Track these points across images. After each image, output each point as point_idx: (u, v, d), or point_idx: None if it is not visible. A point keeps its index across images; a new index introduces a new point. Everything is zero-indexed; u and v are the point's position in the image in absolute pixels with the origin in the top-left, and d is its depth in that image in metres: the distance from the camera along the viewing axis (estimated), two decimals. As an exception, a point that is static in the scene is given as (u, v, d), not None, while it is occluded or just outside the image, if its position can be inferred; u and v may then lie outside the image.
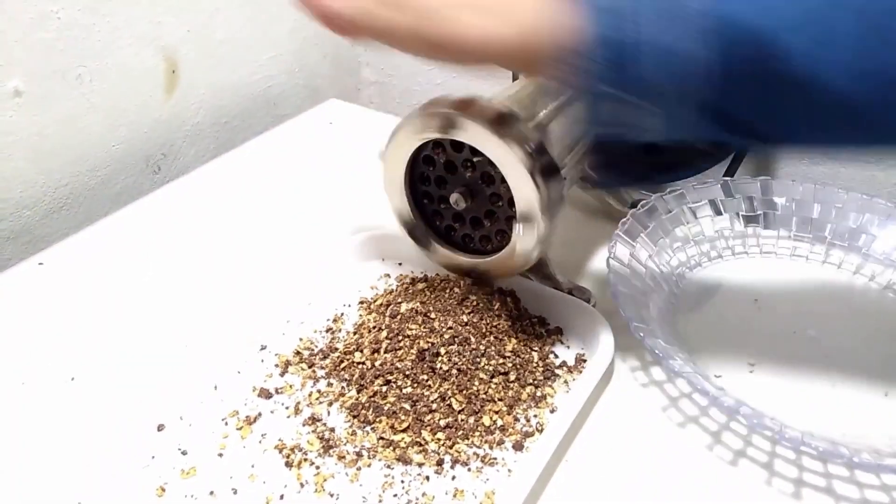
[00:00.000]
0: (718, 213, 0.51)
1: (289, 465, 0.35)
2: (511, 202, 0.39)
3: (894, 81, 0.27)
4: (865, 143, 0.32)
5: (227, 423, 0.37)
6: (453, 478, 0.34)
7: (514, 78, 0.45)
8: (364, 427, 0.37)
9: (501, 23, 0.30)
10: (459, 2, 0.30)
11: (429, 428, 0.36)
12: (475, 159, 0.39)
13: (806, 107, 0.29)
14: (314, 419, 0.37)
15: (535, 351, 0.41)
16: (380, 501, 0.33)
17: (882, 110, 0.28)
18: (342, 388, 0.39)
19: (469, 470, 0.35)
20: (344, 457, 0.35)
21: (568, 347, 0.42)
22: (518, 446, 0.36)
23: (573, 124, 0.34)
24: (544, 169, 0.37)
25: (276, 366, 0.41)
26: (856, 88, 0.28)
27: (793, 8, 0.28)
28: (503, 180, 0.38)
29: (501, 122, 0.36)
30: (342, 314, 0.44)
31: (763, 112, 0.30)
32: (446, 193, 0.41)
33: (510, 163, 0.37)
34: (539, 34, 0.30)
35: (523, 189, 0.37)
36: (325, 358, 0.41)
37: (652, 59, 0.28)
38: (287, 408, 0.38)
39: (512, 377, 0.39)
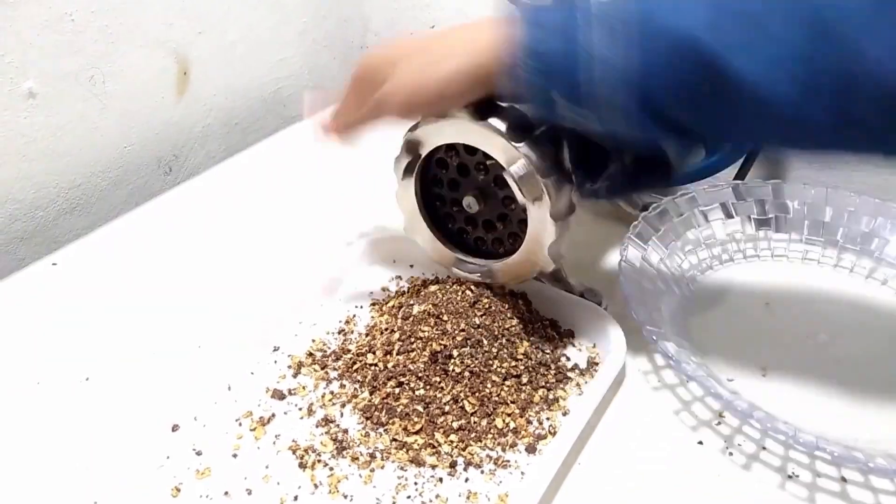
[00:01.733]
0: (730, 216, 0.51)
1: (302, 466, 0.35)
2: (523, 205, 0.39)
3: (806, 78, 0.27)
4: (797, 145, 0.33)
5: (240, 424, 0.37)
6: (466, 480, 0.34)
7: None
8: (377, 429, 0.37)
9: (464, 60, 0.34)
10: (428, 59, 0.35)
11: (442, 430, 0.36)
12: (488, 162, 0.39)
13: (735, 107, 0.29)
14: (327, 420, 0.37)
15: (548, 354, 0.41)
16: (393, 503, 0.33)
17: (804, 110, 0.28)
18: (355, 389, 0.39)
19: (482, 472, 0.35)
20: (357, 458, 0.35)
21: (580, 350, 0.42)
22: (531, 449, 0.36)
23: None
24: (555, 174, 0.37)
25: (289, 367, 0.41)
26: (776, 86, 0.28)
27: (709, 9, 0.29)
28: (516, 183, 0.38)
29: (512, 127, 0.36)
30: (354, 316, 0.45)
31: (693, 109, 0.30)
32: (459, 196, 0.41)
33: (520, 168, 0.37)
34: (489, 58, 0.33)
35: (534, 193, 0.37)
36: (337, 359, 0.41)
37: (584, 66, 0.30)
38: (300, 409, 0.38)
39: (524, 380, 0.39)
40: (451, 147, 0.40)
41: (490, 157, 0.38)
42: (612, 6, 0.30)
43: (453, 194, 0.42)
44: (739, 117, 0.30)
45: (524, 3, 0.33)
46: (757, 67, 0.27)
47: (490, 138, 0.36)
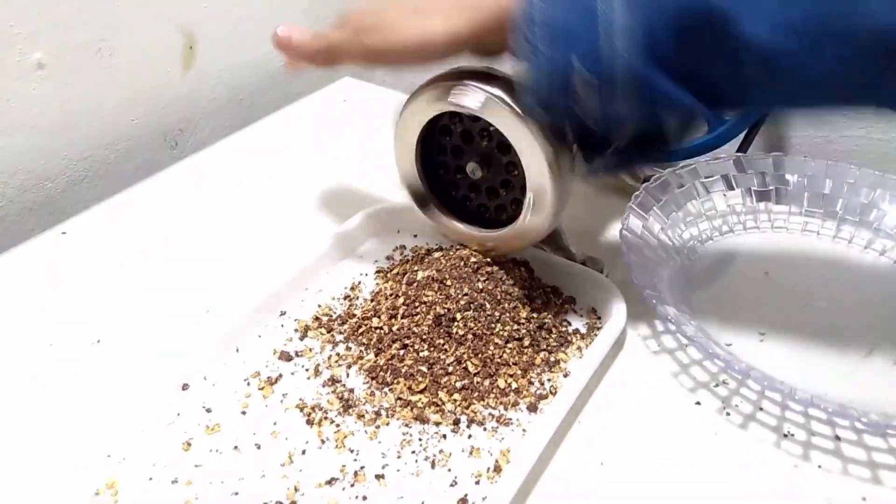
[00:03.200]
0: (731, 188, 0.51)
1: (310, 423, 0.36)
2: (527, 171, 0.39)
3: (810, 31, 0.28)
4: (798, 102, 0.33)
5: (248, 384, 0.38)
6: (469, 436, 0.35)
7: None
8: (382, 388, 0.38)
9: (459, 17, 0.34)
10: (417, 8, 0.35)
11: (445, 389, 0.37)
12: (491, 128, 0.39)
13: (741, 64, 0.30)
14: (334, 381, 0.38)
15: (549, 318, 0.41)
16: (398, 458, 0.34)
17: (807, 63, 0.28)
18: (360, 351, 0.40)
19: (485, 429, 0.36)
20: (363, 416, 0.36)
21: (580, 316, 0.43)
22: (532, 408, 0.37)
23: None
24: (555, 138, 0.37)
25: (296, 331, 0.42)
26: (780, 41, 0.28)
27: None
28: (519, 149, 0.38)
29: (512, 93, 0.37)
30: (359, 283, 0.45)
31: (715, 76, 0.31)
32: (462, 163, 0.42)
33: (521, 133, 0.37)
34: (489, 20, 0.33)
35: (534, 160, 0.38)
36: (343, 323, 0.42)
37: (602, 29, 0.30)
38: (307, 370, 0.39)
39: (526, 343, 0.40)
40: (454, 114, 0.40)
41: (492, 124, 0.38)
42: None
43: (457, 161, 0.43)
44: (745, 76, 0.30)
45: None
46: (762, 23, 0.28)
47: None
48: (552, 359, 0.39)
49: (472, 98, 0.37)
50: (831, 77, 0.29)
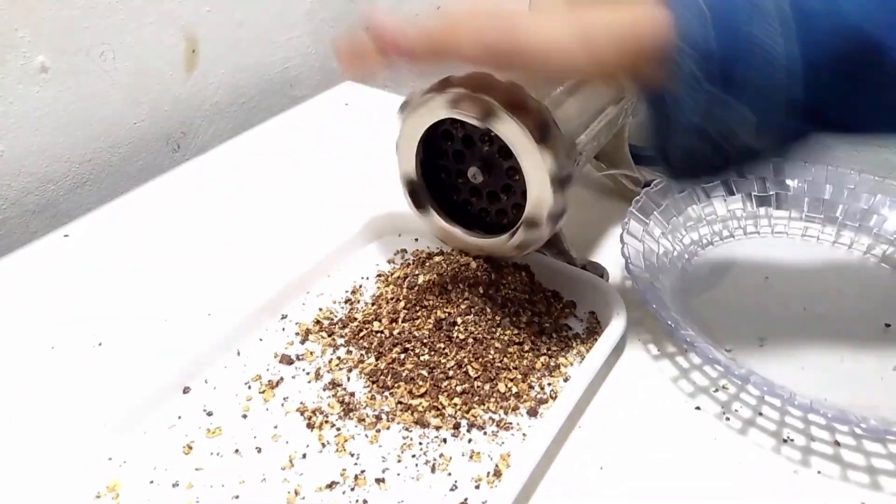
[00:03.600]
0: (731, 193, 0.51)
1: (310, 426, 0.36)
2: (528, 176, 0.39)
3: None
4: None
5: (250, 387, 0.38)
6: (469, 441, 0.35)
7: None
8: (383, 392, 0.38)
9: (606, 41, 0.31)
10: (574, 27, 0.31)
11: (446, 393, 0.37)
12: (492, 133, 0.40)
13: (886, 91, 0.30)
14: (334, 384, 0.38)
15: (549, 323, 0.42)
16: (399, 462, 0.34)
17: None
18: (361, 355, 0.40)
19: (485, 433, 0.36)
20: (364, 419, 0.36)
21: (581, 320, 0.43)
22: (532, 412, 0.37)
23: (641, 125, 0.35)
24: (555, 146, 0.38)
25: (297, 334, 0.42)
26: None
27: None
28: (520, 154, 0.39)
29: (512, 102, 0.37)
30: (360, 286, 0.46)
31: (856, 104, 0.31)
32: (464, 168, 0.42)
33: (520, 140, 0.37)
34: (632, 42, 0.31)
35: (534, 165, 0.38)
36: (344, 327, 0.42)
37: (745, 55, 0.29)
38: (308, 373, 0.39)
39: (526, 347, 0.40)
40: (456, 119, 0.40)
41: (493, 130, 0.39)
42: None
43: (458, 166, 0.43)
44: (887, 103, 0.31)
45: None
46: None
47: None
48: (552, 363, 0.40)
49: (474, 104, 0.38)
50: None
